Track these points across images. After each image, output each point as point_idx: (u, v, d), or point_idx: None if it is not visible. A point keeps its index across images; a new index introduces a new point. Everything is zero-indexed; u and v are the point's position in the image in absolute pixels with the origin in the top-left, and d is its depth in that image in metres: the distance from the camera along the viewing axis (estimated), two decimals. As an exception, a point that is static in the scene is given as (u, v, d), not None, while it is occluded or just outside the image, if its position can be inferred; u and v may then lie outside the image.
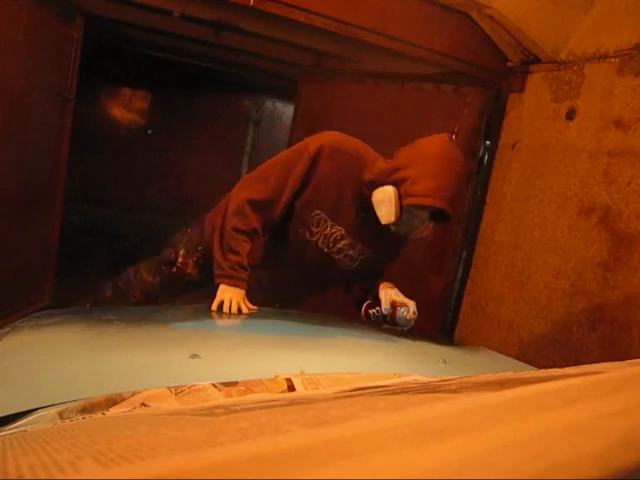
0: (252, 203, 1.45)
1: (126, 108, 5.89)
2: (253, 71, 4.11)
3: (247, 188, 1.48)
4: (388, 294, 1.54)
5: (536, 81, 2.48)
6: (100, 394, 0.72)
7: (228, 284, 1.41)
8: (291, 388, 0.81)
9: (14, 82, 2.23)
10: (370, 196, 1.41)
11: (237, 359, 1.01)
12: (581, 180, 2.21)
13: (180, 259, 1.67)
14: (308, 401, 0.56)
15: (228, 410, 0.51)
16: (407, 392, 0.56)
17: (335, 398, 0.59)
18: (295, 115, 3.33)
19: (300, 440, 0.26)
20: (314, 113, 3.02)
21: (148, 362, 0.93)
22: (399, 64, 2.64)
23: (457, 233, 2.76)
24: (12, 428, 0.65)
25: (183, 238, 1.71)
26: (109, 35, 3.52)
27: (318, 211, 1.48)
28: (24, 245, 2.55)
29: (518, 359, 1.53)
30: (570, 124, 2.28)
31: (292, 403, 0.54)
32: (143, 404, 0.70)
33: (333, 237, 1.50)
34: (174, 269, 1.68)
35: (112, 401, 0.71)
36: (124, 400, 0.71)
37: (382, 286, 1.57)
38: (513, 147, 2.57)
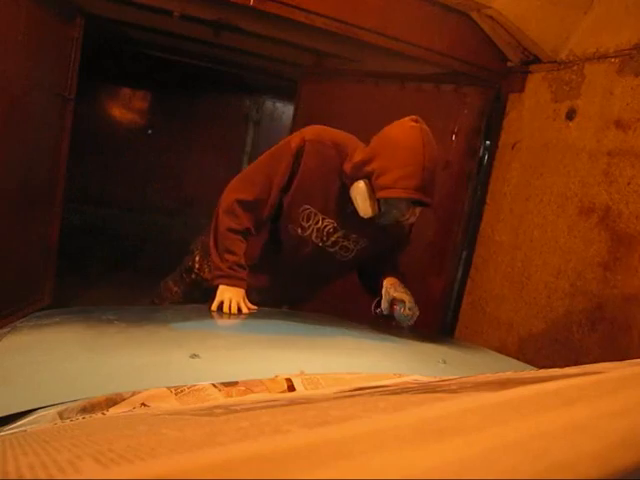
0: (242, 203, 1.45)
1: (126, 108, 5.88)
2: (253, 71, 4.11)
3: (235, 189, 1.48)
4: (387, 291, 1.53)
5: (536, 81, 2.48)
6: (100, 394, 0.72)
7: (227, 284, 1.41)
8: (291, 388, 0.81)
9: (14, 82, 2.23)
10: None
11: (237, 359, 1.01)
12: (581, 180, 2.21)
13: (197, 265, 1.66)
14: (308, 401, 0.56)
15: (228, 410, 0.51)
16: (407, 392, 0.56)
17: (335, 398, 0.59)
18: (295, 115, 3.33)
19: (300, 440, 0.26)
20: (314, 113, 3.02)
21: (148, 362, 0.93)
22: (399, 64, 2.64)
23: (457, 233, 2.77)
24: (12, 428, 0.65)
25: (198, 244, 1.70)
26: (109, 35, 3.52)
27: (307, 205, 1.48)
28: (24, 245, 2.55)
29: (518, 359, 1.52)
30: (570, 124, 2.28)
31: (292, 403, 0.54)
32: (143, 404, 0.70)
33: (326, 230, 1.50)
34: (193, 275, 1.67)
35: (112, 401, 0.71)
36: (124, 400, 0.71)
37: (385, 282, 1.56)
38: (513, 147, 2.57)
